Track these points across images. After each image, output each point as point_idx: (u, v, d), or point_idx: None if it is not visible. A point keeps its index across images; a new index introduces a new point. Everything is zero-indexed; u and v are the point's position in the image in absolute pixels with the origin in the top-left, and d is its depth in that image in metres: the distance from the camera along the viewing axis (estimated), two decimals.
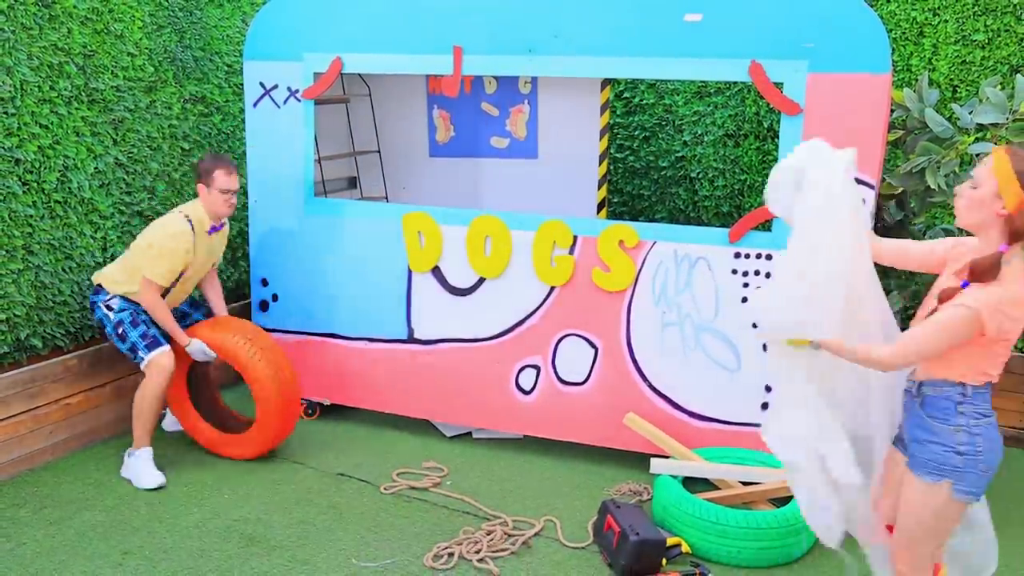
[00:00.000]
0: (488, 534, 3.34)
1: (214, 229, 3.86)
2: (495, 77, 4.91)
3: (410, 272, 4.15)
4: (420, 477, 3.86)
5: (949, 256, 2.31)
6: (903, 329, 2.32)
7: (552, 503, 3.64)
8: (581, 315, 3.91)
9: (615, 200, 5.55)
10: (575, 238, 3.86)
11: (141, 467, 3.71)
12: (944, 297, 2.16)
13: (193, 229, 3.75)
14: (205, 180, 3.75)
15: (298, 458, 4.03)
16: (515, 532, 3.38)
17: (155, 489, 3.66)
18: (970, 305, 2.07)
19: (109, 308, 3.77)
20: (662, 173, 5.38)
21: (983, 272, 2.08)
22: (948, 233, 4.06)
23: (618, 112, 5.43)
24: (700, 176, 5.25)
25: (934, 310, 2.18)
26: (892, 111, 3.78)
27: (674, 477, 3.50)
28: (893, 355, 2.19)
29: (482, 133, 5.05)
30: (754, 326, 2.48)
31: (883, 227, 3.98)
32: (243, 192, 5.01)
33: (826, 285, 2.23)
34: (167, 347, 3.76)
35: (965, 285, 2.13)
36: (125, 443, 4.02)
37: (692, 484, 3.61)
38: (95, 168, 4.11)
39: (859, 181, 3.38)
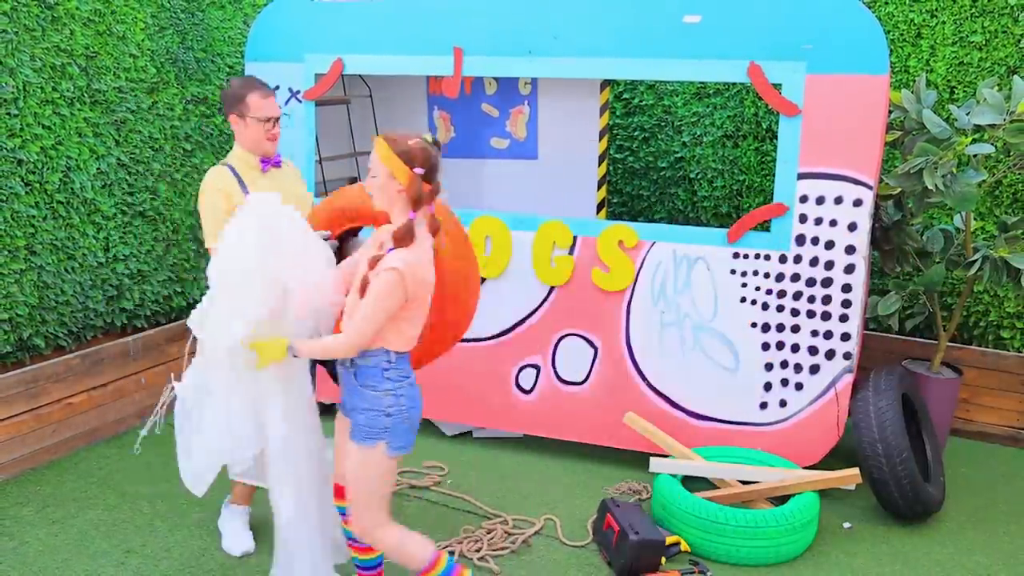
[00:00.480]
0: (488, 532, 3.35)
1: (267, 163, 3.16)
2: (495, 78, 4.91)
3: None
4: (421, 476, 3.86)
5: (367, 251, 2.60)
6: None
7: (552, 502, 3.64)
8: (581, 315, 3.91)
9: (614, 201, 5.55)
10: (575, 238, 3.86)
11: (232, 527, 3.30)
12: (372, 263, 2.42)
13: (235, 171, 3.08)
14: (237, 109, 3.08)
15: None
16: (515, 531, 3.38)
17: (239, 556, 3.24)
18: (395, 266, 2.34)
19: None
20: (661, 174, 5.38)
21: (402, 237, 2.39)
22: (945, 233, 4.07)
23: (617, 113, 5.43)
24: (699, 177, 5.25)
25: (364, 279, 2.42)
26: (890, 112, 3.79)
27: (673, 476, 3.50)
28: (349, 339, 2.42)
29: (482, 134, 5.05)
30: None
31: (881, 227, 3.99)
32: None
33: (241, 281, 2.52)
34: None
35: (391, 251, 2.41)
36: (126, 442, 4.02)
37: (691, 483, 3.61)
38: (97, 169, 4.11)
39: (857, 181, 3.39)
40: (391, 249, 2.42)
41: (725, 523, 3.16)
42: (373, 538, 2.57)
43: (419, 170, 2.41)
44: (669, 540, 3.20)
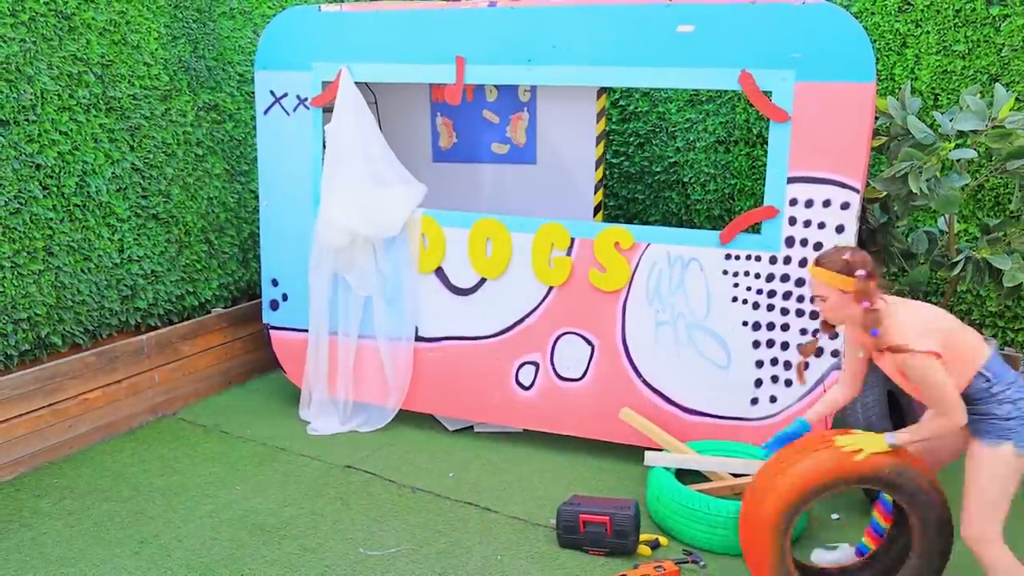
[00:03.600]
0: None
1: None
2: (496, 86, 4.90)
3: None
4: (426, 470, 3.86)
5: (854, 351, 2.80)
6: None
7: (551, 494, 3.63)
8: (578, 314, 3.91)
9: (611, 204, 5.55)
10: (572, 240, 3.86)
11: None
12: (878, 351, 2.59)
13: None
14: None
15: (307, 452, 4.02)
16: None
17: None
18: (914, 348, 2.45)
19: None
20: (656, 178, 5.38)
21: (877, 321, 2.53)
22: (929, 235, 4.06)
23: (614, 119, 5.43)
24: (692, 181, 5.25)
25: (897, 371, 2.55)
26: (876, 118, 3.78)
27: (667, 469, 3.50)
28: (950, 414, 2.48)
29: (483, 139, 5.05)
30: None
31: (868, 229, 3.99)
32: (254, 195, 5.01)
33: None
34: None
35: (875, 333, 2.54)
36: (140, 436, 4.02)
37: (684, 476, 3.60)
38: (112, 173, 4.11)
39: (845, 185, 3.39)
40: (875, 332, 2.54)
41: (717, 514, 3.16)
42: (979, 550, 2.54)
43: (861, 272, 2.54)
44: (646, 537, 3.21)
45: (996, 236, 3.75)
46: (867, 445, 2.60)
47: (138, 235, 4.29)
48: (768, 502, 2.65)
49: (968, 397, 2.54)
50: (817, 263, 2.62)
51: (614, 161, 5.48)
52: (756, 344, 3.64)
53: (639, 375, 3.86)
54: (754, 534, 2.70)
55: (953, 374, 2.50)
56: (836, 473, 2.60)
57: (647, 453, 3.57)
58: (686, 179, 5.25)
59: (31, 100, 3.66)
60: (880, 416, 3.39)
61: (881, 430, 3.35)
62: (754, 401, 3.69)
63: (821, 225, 3.44)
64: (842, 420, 3.49)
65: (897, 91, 4.48)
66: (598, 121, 4.77)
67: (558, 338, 3.97)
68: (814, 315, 3.52)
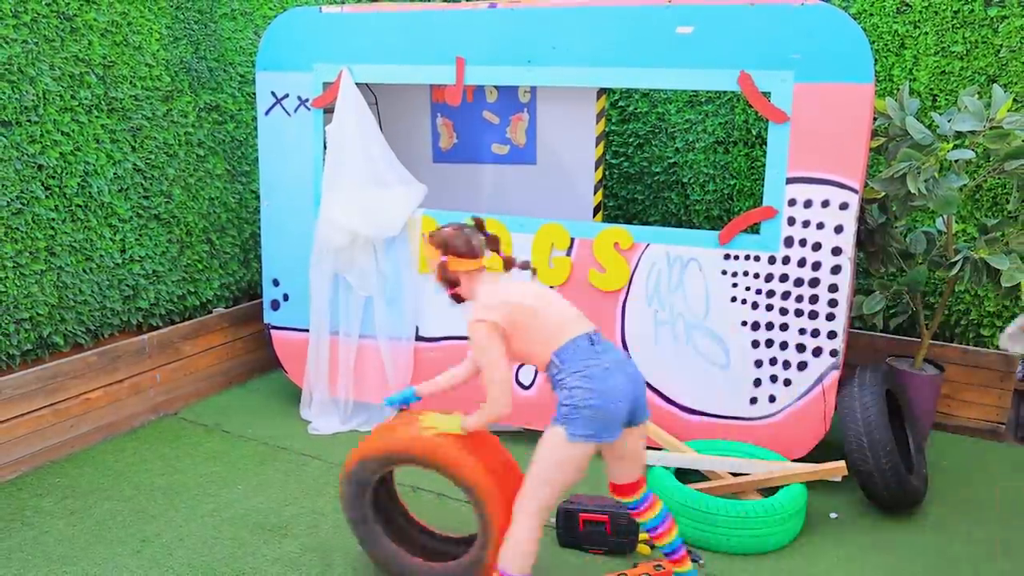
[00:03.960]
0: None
1: None
2: (496, 87, 4.90)
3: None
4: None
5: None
6: None
7: None
8: None
9: (610, 204, 5.54)
10: (572, 240, 3.86)
11: None
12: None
13: None
14: None
15: (308, 451, 4.02)
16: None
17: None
18: (478, 317, 2.57)
19: None
20: (655, 178, 5.38)
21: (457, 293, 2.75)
22: (928, 235, 4.06)
23: (613, 120, 5.43)
24: (691, 181, 5.25)
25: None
26: (875, 119, 3.79)
27: (667, 468, 3.50)
28: (497, 400, 2.59)
29: (483, 140, 5.05)
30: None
31: (867, 229, 3.99)
32: (255, 196, 5.01)
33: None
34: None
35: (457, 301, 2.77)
36: (142, 435, 4.02)
37: (684, 475, 3.60)
38: (114, 173, 4.11)
39: (843, 186, 3.39)
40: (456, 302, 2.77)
41: (716, 513, 3.16)
42: (516, 516, 2.54)
43: (443, 259, 2.72)
44: (645, 536, 3.21)
45: (994, 236, 3.75)
46: (441, 426, 2.76)
47: (140, 235, 4.29)
48: (349, 454, 2.88)
49: (548, 379, 2.64)
50: (429, 235, 2.77)
51: (614, 162, 5.49)
52: (755, 344, 3.64)
53: None
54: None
55: (532, 354, 2.60)
56: (386, 449, 2.79)
57: (647, 452, 3.57)
58: (685, 180, 5.25)
59: (33, 101, 3.66)
60: (878, 415, 3.39)
61: (883, 438, 3.35)
62: (753, 400, 3.69)
63: (820, 225, 3.44)
64: (841, 420, 3.49)
65: (895, 92, 4.48)
66: (598, 122, 4.77)
67: None
68: (813, 315, 3.52)
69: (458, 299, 2.80)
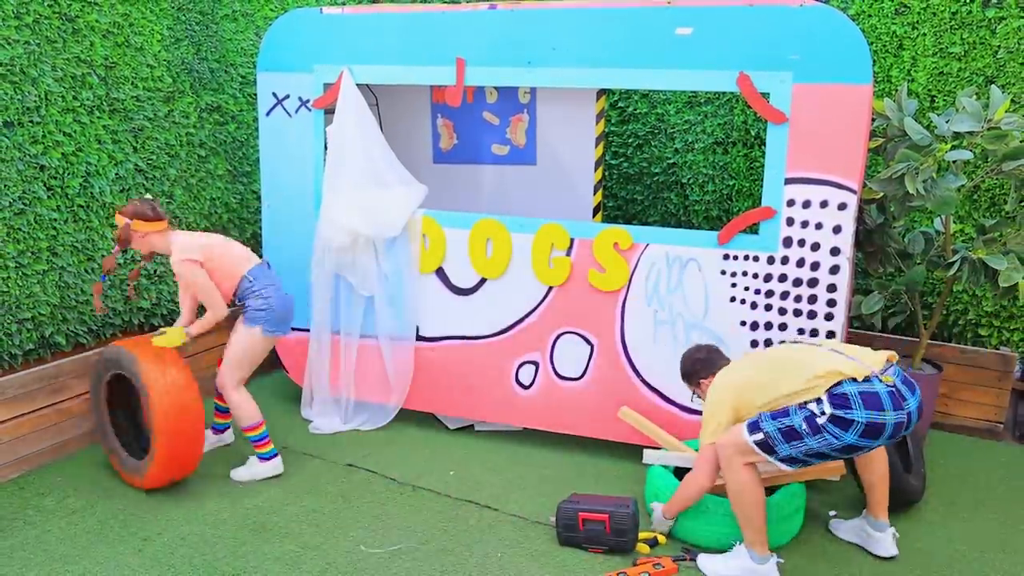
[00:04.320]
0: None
1: None
2: (496, 88, 4.91)
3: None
4: (426, 468, 3.86)
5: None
6: None
7: (550, 492, 3.63)
8: (578, 314, 3.91)
9: (610, 204, 5.55)
10: (572, 240, 3.86)
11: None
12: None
13: None
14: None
15: (308, 450, 4.03)
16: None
17: None
18: (181, 259, 3.50)
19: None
20: (654, 179, 5.38)
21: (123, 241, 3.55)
22: (926, 236, 4.06)
23: (613, 121, 5.43)
24: (691, 182, 5.25)
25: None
26: (873, 120, 3.79)
27: (666, 467, 3.50)
28: (216, 311, 3.56)
29: (484, 141, 5.05)
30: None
31: (865, 229, 3.99)
32: (256, 196, 5.02)
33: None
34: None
35: (103, 279, 3.72)
36: None
37: (682, 474, 3.60)
38: (116, 174, 4.11)
39: (842, 186, 3.39)
40: (104, 277, 3.69)
41: (715, 511, 3.16)
42: (225, 393, 3.68)
43: (120, 219, 3.51)
44: (644, 536, 3.21)
45: (992, 236, 3.75)
46: (169, 336, 3.51)
47: None
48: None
49: (239, 294, 3.63)
50: (119, 210, 3.53)
51: (613, 162, 5.49)
52: (754, 344, 3.64)
53: (638, 374, 3.86)
54: None
55: (224, 278, 3.58)
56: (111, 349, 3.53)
57: (646, 451, 3.57)
58: (684, 180, 5.25)
59: (35, 102, 3.67)
60: None
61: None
62: None
63: (819, 226, 3.44)
64: None
65: (894, 93, 4.48)
66: (597, 122, 4.77)
67: (558, 338, 3.97)
68: (812, 315, 3.52)
69: (122, 244, 3.54)
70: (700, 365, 3.26)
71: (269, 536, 3.23)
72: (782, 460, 2.81)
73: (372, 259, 4.16)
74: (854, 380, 2.74)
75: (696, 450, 3.58)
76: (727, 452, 2.89)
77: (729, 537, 3.14)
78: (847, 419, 2.69)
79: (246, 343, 3.62)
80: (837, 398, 2.72)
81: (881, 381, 2.75)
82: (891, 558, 3.16)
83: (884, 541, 3.17)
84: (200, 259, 3.50)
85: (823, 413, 2.72)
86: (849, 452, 2.78)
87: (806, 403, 2.78)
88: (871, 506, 3.20)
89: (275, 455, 3.74)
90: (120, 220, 3.50)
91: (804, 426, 2.75)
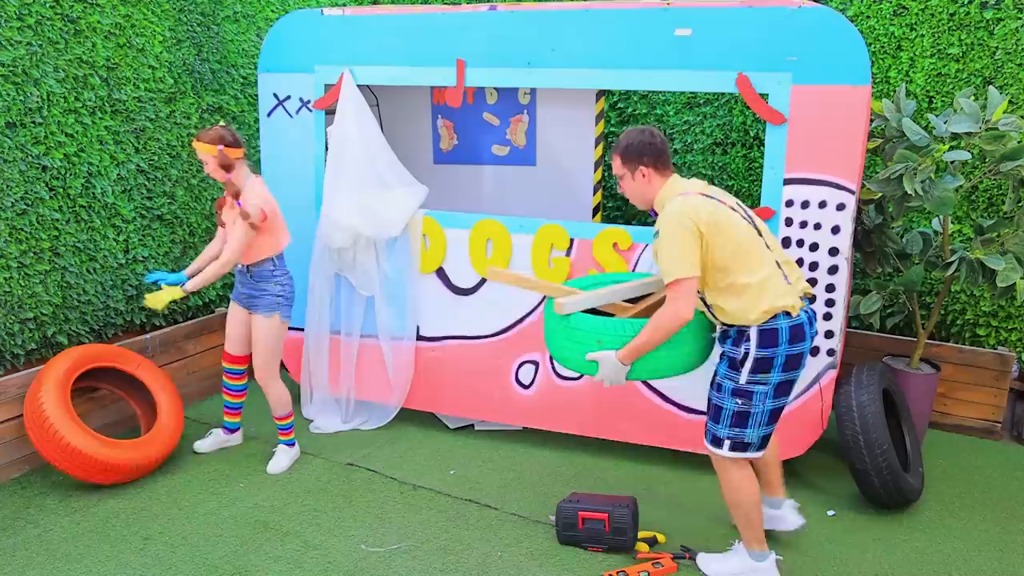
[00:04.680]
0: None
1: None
2: (496, 89, 4.91)
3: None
4: (427, 467, 3.86)
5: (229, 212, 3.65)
6: None
7: (550, 491, 3.64)
8: None
9: (609, 205, 5.55)
10: (571, 241, 3.86)
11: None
12: (221, 204, 3.68)
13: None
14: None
15: (310, 449, 4.03)
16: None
17: None
18: (251, 204, 3.47)
19: None
20: None
21: (235, 194, 3.55)
22: (924, 236, 4.07)
23: (612, 121, 5.43)
24: None
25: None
26: (871, 120, 3.79)
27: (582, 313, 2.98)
28: (236, 251, 3.50)
29: (484, 141, 5.05)
30: None
31: (863, 230, 3.99)
32: None
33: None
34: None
35: (239, 203, 3.50)
36: None
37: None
38: (118, 175, 4.11)
39: (840, 187, 3.39)
40: (239, 203, 3.47)
41: (684, 338, 2.82)
42: (266, 388, 3.73)
43: (221, 146, 3.43)
44: (644, 535, 3.21)
45: (990, 237, 3.75)
46: (158, 298, 3.47)
47: (143, 236, 4.29)
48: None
49: (253, 272, 3.60)
50: (197, 137, 3.46)
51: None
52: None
53: None
54: None
55: (259, 247, 3.54)
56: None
57: (561, 301, 2.96)
58: None
59: (37, 103, 3.67)
60: (875, 414, 3.39)
61: (879, 436, 3.35)
62: None
63: (817, 226, 3.45)
64: (838, 419, 3.49)
65: (892, 94, 4.48)
66: (597, 123, 4.77)
67: None
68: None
69: (233, 190, 3.48)
70: (648, 151, 2.78)
71: (270, 535, 3.24)
72: (761, 436, 2.78)
73: (373, 259, 4.16)
74: (787, 314, 2.69)
75: (584, 288, 3.24)
76: (714, 459, 2.89)
77: (660, 363, 2.83)
78: (768, 358, 2.68)
79: (273, 332, 3.63)
80: (766, 335, 2.67)
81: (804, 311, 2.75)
82: (799, 528, 3.12)
83: (786, 517, 3.14)
84: (268, 214, 3.49)
85: (743, 364, 2.70)
86: (787, 390, 2.76)
87: (725, 355, 2.76)
88: (765, 486, 3.11)
89: (295, 441, 3.94)
90: (208, 148, 3.42)
91: (739, 400, 2.73)
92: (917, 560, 3.17)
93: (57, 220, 3.81)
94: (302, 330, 4.38)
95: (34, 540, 3.15)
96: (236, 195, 3.50)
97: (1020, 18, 4.16)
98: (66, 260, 3.87)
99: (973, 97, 4.08)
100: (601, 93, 4.74)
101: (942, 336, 4.59)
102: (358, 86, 4.11)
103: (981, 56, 4.27)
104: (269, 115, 4.34)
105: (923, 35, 4.41)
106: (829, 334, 3.52)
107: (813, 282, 3.49)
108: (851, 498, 3.62)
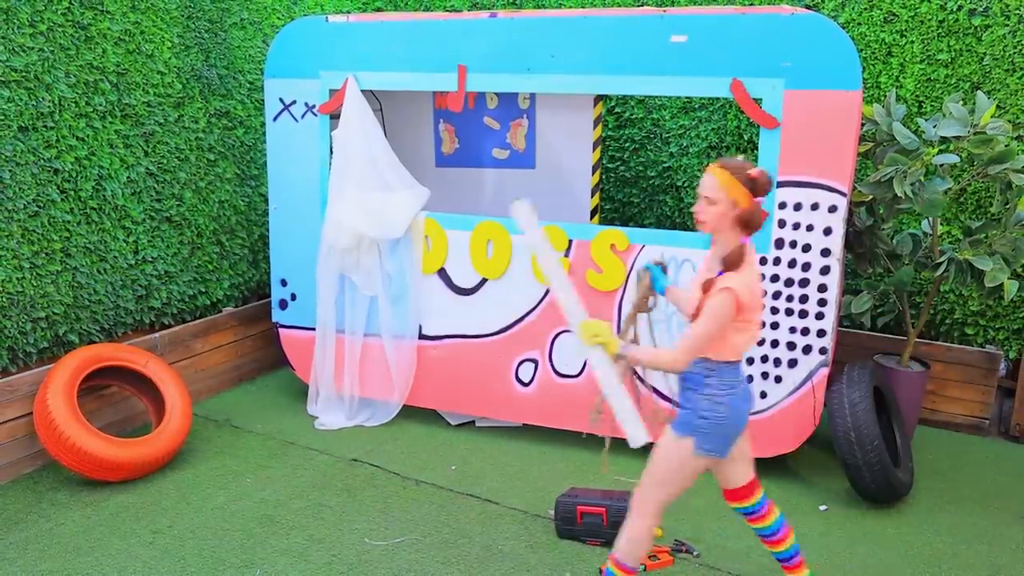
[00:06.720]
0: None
1: None
2: (496, 94, 4.91)
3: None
4: (429, 462, 3.87)
5: (699, 276, 2.54)
6: None
7: (549, 486, 3.64)
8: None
9: (607, 207, 5.55)
10: (570, 242, 3.86)
11: None
12: (707, 286, 2.38)
13: None
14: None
15: (315, 445, 4.03)
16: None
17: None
18: (730, 286, 2.29)
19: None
20: (650, 182, 5.38)
21: (734, 261, 2.35)
22: (914, 237, 4.07)
23: (610, 126, 5.43)
24: (685, 185, 5.25)
25: (700, 302, 2.37)
26: (862, 125, 3.79)
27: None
28: (681, 354, 2.34)
29: (484, 145, 5.05)
30: None
31: (855, 231, 3.99)
32: (263, 199, 5.02)
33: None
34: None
35: (720, 274, 2.37)
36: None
37: None
38: (127, 177, 4.12)
39: (832, 189, 3.40)
40: (721, 272, 2.36)
41: None
42: (633, 515, 2.52)
43: (760, 199, 2.35)
44: None
45: (978, 238, 3.75)
46: (595, 336, 2.53)
47: (152, 237, 4.29)
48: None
49: (687, 374, 2.45)
50: (719, 164, 2.38)
51: (610, 166, 5.49)
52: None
53: (634, 371, 3.85)
54: None
55: (724, 346, 2.37)
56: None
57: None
58: (680, 183, 5.26)
59: (49, 107, 3.67)
60: (866, 411, 3.40)
61: (870, 433, 3.36)
62: None
63: (809, 228, 3.45)
64: (829, 416, 3.50)
65: (883, 98, 4.49)
66: (595, 127, 4.77)
67: (556, 336, 3.98)
68: (803, 314, 3.52)
69: (752, 230, 2.38)
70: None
71: (276, 529, 3.24)
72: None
73: (376, 260, 4.16)
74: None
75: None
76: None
77: None
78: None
79: (672, 457, 2.47)
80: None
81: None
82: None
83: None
84: (742, 303, 2.33)
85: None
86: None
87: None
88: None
89: None
90: (738, 192, 2.33)
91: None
92: (907, 553, 3.18)
93: (68, 222, 3.81)
94: (312, 330, 4.39)
95: (46, 534, 3.16)
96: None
97: (1007, 25, 4.16)
98: (77, 261, 3.87)
99: (962, 102, 4.09)
100: (599, 98, 4.74)
101: (931, 335, 4.59)
102: (362, 91, 4.11)
103: (969, 62, 4.28)
104: (275, 119, 4.34)
105: (913, 41, 4.41)
106: (821, 333, 3.52)
107: (805, 282, 3.50)
108: (842, 493, 3.63)
